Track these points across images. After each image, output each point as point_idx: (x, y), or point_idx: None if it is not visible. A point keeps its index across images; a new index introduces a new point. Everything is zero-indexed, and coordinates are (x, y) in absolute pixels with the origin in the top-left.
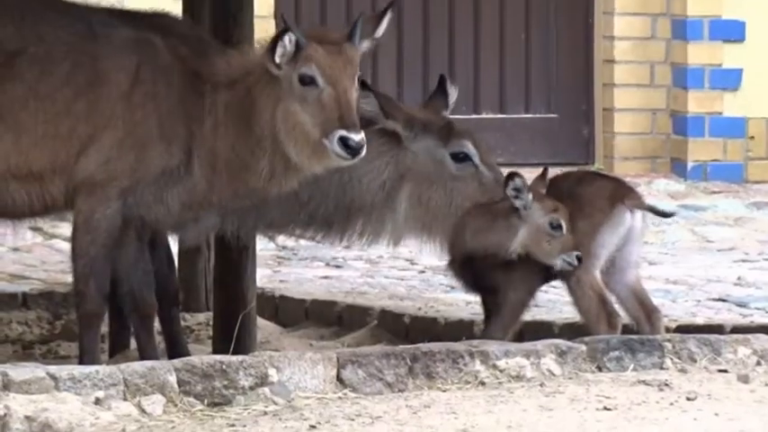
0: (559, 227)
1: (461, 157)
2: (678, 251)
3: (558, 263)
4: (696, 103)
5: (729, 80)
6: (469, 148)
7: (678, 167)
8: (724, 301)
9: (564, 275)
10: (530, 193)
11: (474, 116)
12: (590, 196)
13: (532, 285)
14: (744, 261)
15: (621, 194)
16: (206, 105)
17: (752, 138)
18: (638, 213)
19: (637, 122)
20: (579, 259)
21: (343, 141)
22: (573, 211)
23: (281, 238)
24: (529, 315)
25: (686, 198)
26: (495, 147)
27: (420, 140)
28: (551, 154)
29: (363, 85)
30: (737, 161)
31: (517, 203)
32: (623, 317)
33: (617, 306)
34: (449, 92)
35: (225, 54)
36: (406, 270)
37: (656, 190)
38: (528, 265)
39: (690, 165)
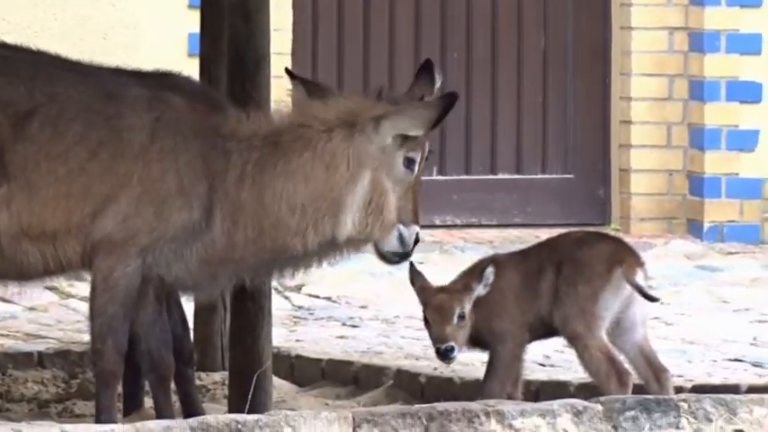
0: (426, 320)
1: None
2: (694, 311)
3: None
4: (712, 163)
5: (746, 141)
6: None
7: (694, 228)
8: (740, 361)
9: (571, 341)
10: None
11: (491, 177)
12: (589, 260)
13: (522, 338)
14: (759, 321)
15: (620, 259)
16: (230, 160)
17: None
18: (640, 273)
19: (653, 183)
20: (439, 352)
21: (403, 239)
22: (573, 276)
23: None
24: (545, 375)
25: (703, 259)
26: (511, 207)
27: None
28: (567, 214)
29: (288, 72)
30: (754, 222)
31: None
32: (634, 375)
33: (627, 365)
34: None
35: (242, 111)
36: (422, 330)
37: (673, 251)
38: (514, 317)
39: (706, 225)
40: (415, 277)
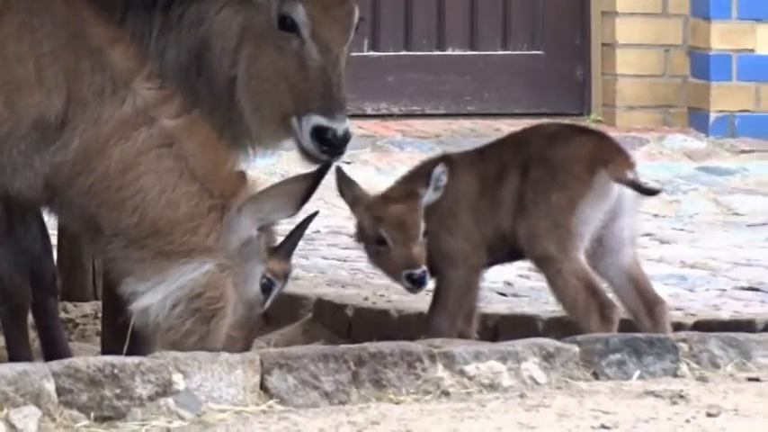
0: (382, 241)
1: (288, 24)
2: (697, 226)
3: (400, 281)
4: (721, 37)
5: (764, 7)
6: (300, 14)
7: (698, 120)
8: (756, 290)
9: (540, 264)
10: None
11: (437, 53)
12: (565, 160)
13: (477, 260)
14: None
15: (605, 157)
16: (103, 100)
17: None
18: (630, 175)
19: (645, 62)
20: (411, 279)
21: None
22: (545, 181)
23: None
24: (506, 307)
25: (708, 159)
26: (463, 92)
27: None
28: (535, 102)
29: None
30: None
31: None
32: (621, 309)
33: (612, 295)
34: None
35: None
36: (350, 249)
37: (670, 149)
38: (468, 233)
39: (713, 116)
40: (346, 185)
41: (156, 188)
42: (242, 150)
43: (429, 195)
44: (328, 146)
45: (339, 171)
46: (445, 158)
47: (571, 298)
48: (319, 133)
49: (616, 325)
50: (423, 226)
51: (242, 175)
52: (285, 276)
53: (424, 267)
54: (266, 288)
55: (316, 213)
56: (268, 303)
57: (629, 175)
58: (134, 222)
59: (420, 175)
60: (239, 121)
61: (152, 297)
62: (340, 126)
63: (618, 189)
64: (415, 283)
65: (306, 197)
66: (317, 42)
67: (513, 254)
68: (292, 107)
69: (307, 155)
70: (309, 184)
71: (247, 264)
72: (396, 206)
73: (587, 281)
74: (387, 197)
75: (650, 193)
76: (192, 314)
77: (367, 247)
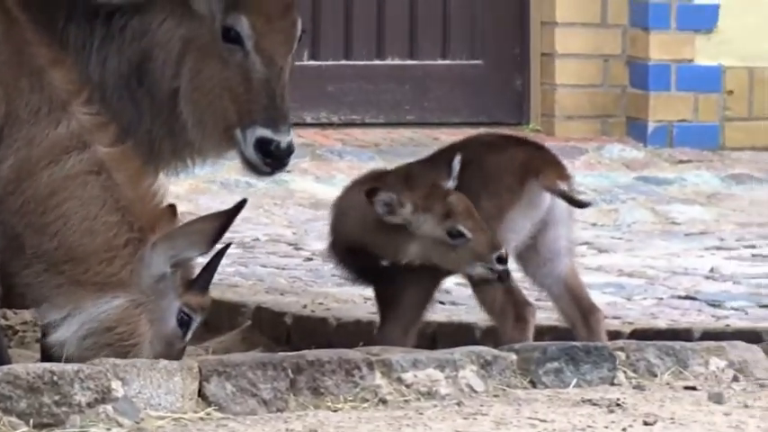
0: (460, 234)
1: (232, 36)
2: (635, 235)
3: (477, 271)
4: (660, 47)
5: (702, 18)
6: (244, 26)
7: (636, 129)
8: (692, 299)
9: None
10: (407, 203)
11: (377, 62)
12: (497, 169)
13: (437, 273)
14: (718, 248)
15: (537, 167)
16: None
17: (730, 92)
18: (564, 187)
19: (584, 72)
20: (502, 260)
21: None
22: (477, 189)
23: None
24: (444, 314)
25: (646, 168)
26: (402, 101)
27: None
28: (475, 111)
29: None
30: (712, 122)
31: (395, 220)
32: (550, 313)
33: (534, 300)
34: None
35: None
36: (289, 257)
37: (608, 158)
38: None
39: (651, 126)
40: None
41: (78, 215)
42: (181, 162)
43: (450, 185)
44: (272, 158)
45: (371, 191)
46: (385, 174)
47: (489, 300)
48: (263, 145)
49: (531, 325)
50: None
51: (170, 211)
52: (203, 309)
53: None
54: (184, 323)
55: (228, 245)
56: (188, 337)
57: (561, 186)
58: (53, 247)
59: (420, 170)
60: (181, 132)
61: (66, 330)
62: (284, 138)
63: (549, 199)
64: (506, 263)
65: (218, 235)
66: (261, 54)
67: None
68: (236, 119)
69: (250, 166)
70: (222, 223)
71: (162, 300)
72: (452, 197)
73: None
74: (431, 192)
75: (581, 205)
76: (103, 348)
77: (433, 250)
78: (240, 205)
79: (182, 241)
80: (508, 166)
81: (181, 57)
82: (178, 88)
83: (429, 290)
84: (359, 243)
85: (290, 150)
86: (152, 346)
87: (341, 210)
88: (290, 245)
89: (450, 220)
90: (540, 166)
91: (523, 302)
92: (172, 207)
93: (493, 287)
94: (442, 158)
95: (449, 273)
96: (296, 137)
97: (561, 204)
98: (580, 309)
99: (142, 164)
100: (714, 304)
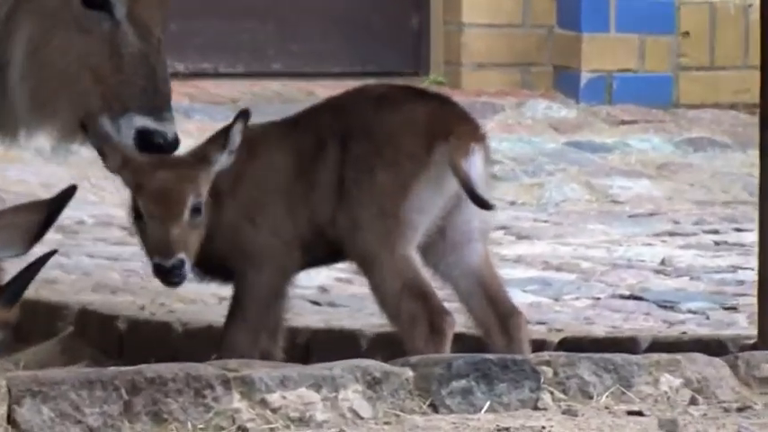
0: (138, 216)
1: (97, 1)
2: (565, 217)
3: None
4: None
5: None
6: None
7: (566, 81)
8: (638, 299)
9: (360, 262)
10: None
11: None
12: (394, 132)
13: (287, 260)
14: (671, 234)
15: (444, 129)
16: None
17: (685, 34)
18: (477, 156)
19: (499, 8)
20: (159, 270)
21: None
22: (368, 158)
23: None
24: (321, 319)
25: (579, 131)
26: (266, 45)
27: None
28: (359, 59)
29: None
30: (662, 72)
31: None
32: (463, 320)
33: (456, 304)
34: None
35: None
36: (123, 245)
37: (531, 118)
38: (276, 224)
39: (584, 77)
40: (108, 144)
41: None
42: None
43: (222, 159)
44: (156, 152)
45: (92, 126)
46: (251, 130)
47: (392, 303)
48: (145, 137)
49: (449, 338)
50: (198, 201)
51: None
52: (5, 326)
53: (182, 257)
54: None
55: (54, 252)
56: None
57: (470, 164)
58: None
59: (215, 140)
60: (7, 116)
61: None
62: (170, 128)
63: (465, 167)
64: (165, 277)
65: (40, 233)
66: (135, 23)
67: (332, 253)
68: (100, 105)
69: None
70: (45, 217)
71: None
72: (163, 172)
73: (414, 281)
74: (160, 161)
75: (481, 204)
76: None
77: (134, 224)
78: (68, 193)
79: None
80: (408, 127)
81: (12, 24)
82: (7, 63)
83: (278, 282)
84: None
85: (176, 143)
86: None
87: None
88: (125, 229)
89: (137, 195)
90: (450, 125)
91: (440, 310)
92: None
93: (394, 288)
94: (312, 120)
95: (313, 260)
96: None
97: (475, 173)
98: (495, 311)
99: None
100: (666, 306)
